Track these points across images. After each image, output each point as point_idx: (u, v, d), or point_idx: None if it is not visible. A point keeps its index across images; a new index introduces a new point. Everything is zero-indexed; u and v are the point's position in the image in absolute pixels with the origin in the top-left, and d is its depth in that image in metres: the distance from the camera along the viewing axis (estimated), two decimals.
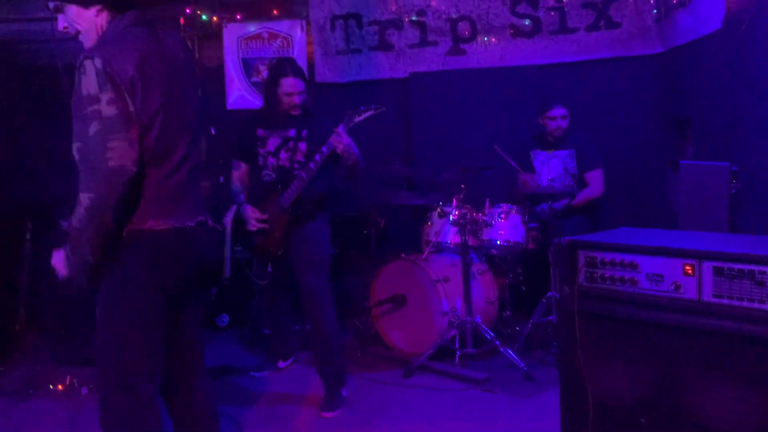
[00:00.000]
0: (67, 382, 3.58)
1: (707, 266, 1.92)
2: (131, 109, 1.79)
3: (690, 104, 4.57)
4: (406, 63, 5.13)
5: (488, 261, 4.21)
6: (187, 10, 5.08)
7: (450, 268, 3.94)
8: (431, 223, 4.03)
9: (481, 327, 3.69)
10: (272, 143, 3.39)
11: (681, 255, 1.97)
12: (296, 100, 3.31)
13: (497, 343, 3.59)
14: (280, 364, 3.92)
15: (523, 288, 4.10)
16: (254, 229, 3.35)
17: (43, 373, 3.71)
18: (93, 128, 1.75)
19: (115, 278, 1.91)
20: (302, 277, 3.31)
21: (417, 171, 4.93)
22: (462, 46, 5.09)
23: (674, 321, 1.98)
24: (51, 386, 3.57)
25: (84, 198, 1.77)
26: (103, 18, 1.93)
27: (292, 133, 3.37)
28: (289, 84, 3.29)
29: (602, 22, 4.96)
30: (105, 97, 1.76)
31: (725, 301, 1.89)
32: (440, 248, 4.08)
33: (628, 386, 2.09)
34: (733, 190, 3.44)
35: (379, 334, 4.11)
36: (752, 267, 1.83)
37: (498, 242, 3.80)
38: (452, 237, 3.88)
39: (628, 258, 2.08)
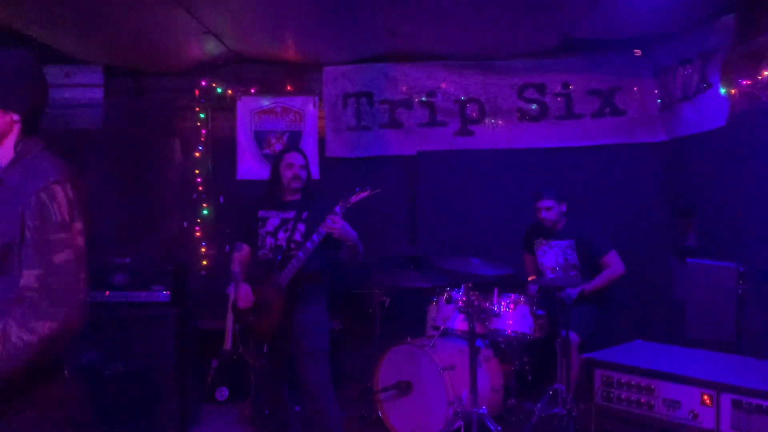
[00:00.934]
0: None
1: (726, 398, 1.93)
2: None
3: (694, 193, 4.64)
4: (415, 141, 5.23)
5: (494, 347, 4.20)
6: (203, 82, 5.20)
7: (457, 355, 3.93)
8: (438, 308, 4.03)
9: (487, 418, 3.65)
10: (272, 223, 3.48)
11: (699, 384, 1.98)
12: (297, 171, 3.45)
13: None
14: None
15: (530, 377, 4.07)
16: (242, 306, 3.36)
17: None
18: (62, 257, 1.67)
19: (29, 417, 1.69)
20: (301, 370, 3.32)
21: (423, 252, 4.95)
22: (470, 127, 5.21)
23: None
24: None
25: (41, 326, 1.60)
26: (16, 132, 1.80)
27: (291, 214, 3.46)
28: (290, 156, 3.49)
29: (607, 109, 5.10)
30: (77, 226, 1.71)
31: None
32: (446, 333, 4.07)
33: None
34: (740, 291, 3.48)
35: (382, 419, 4.06)
36: None
37: (506, 332, 3.80)
38: (459, 324, 3.89)
39: (645, 381, 2.10)
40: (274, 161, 3.59)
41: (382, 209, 5.24)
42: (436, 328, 4.00)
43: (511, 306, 3.81)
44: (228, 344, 4.84)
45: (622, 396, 2.14)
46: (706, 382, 1.97)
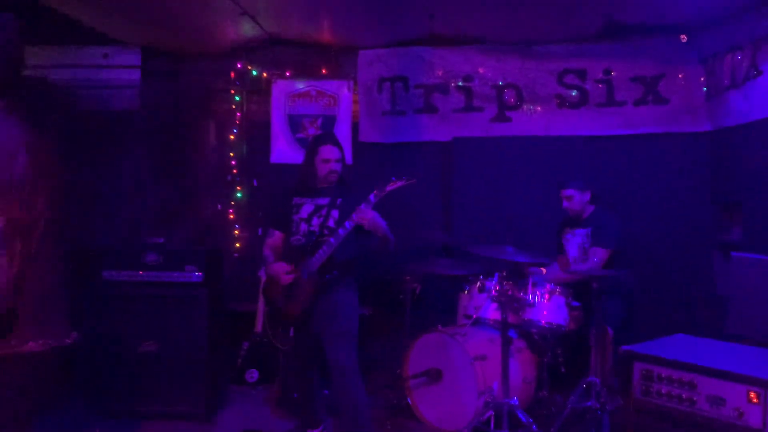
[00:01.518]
0: None
1: None
2: None
3: (740, 187, 4.47)
4: (451, 127, 5.14)
5: (526, 338, 4.11)
6: (238, 65, 5.19)
7: (488, 345, 3.86)
8: (471, 297, 3.96)
9: (518, 410, 3.58)
10: (306, 210, 3.46)
11: (745, 381, 1.89)
12: (333, 166, 3.42)
13: (534, 428, 3.48)
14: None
15: (562, 369, 3.98)
16: (286, 282, 3.35)
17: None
18: None
19: None
20: (330, 352, 3.31)
21: (456, 239, 4.88)
22: (507, 113, 5.09)
23: None
24: None
25: None
26: None
27: (326, 200, 3.44)
28: (327, 150, 3.43)
29: (650, 97, 4.93)
30: None
31: None
32: (478, 322, 4.00)
33: None
34: None
35: (411, 406, 4.02)
36: None
37: (540, 323, 3.71)
38: (492, 313, 3.81)
39: (687, 376, 2.01)
40: (309, 150, 3.54)
41: (416, 196, 5.16)
42: (468, 317, 3.94)
43: (546, 296, 3.72)
44: (259, 327, 4.85)
45: (663, 391, 2.06)
46: (753, 378, 1.88)
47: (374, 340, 4.77)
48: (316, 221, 3.43)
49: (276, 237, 3.59)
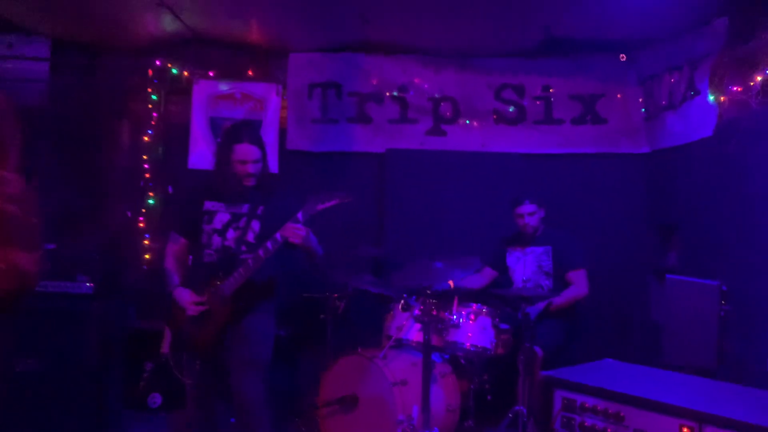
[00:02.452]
0: None
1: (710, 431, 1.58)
2: None
3: (677, 210, 4.36)
4: (384, 138, 4.89)
5: (452, 362, 3.83)
6: (157, 62, 4.81)
7: (410, 369, 3.55)
8: (394, 316, 3.66)
9: None
10: (220, 219, 3.01)
11: (678, 413, 1.64)
12: (250, 168, 2.94)
13: None
14: None
15: (489, 397, 3.70)
16: (194, 314, 2.93)
17: None
18: None
19: None
20: (235, 381, 2.92)
21: (386, 255, 4.59)
22: (443, 126, 4.88)
23: None
24: None
25: None
26: None
27: (245, 209, 2.99)
28: (243, 151, 2.93)
29: (589, 116, 4.82)
30: None
31: None
32: (401, 344, 3.70)
33: None
34: (722, 312, 3.16)
35: None
36: None
37: (465, 345, 3.43)
38: (415, 334, 3.52)
39: (613, 407, 1.74)
40: (222, 147, 3.04)
41: (347, 209, 4.83)
42: (389, 338, 3.62)
43: (472, 317, 3.45)
44: (165, 347, 4.41)
45: (586, 423, 1.79)
46: (686, 411, 1.63)
47: (292, 363, 4.41)
48: (232, 234, 2.98)
49: (181, 244, 3.12)
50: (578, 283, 3.93)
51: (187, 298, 2.92)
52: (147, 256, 4.74)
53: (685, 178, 4.24)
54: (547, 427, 1.84)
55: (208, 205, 3.03)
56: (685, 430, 1.62)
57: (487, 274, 4.25)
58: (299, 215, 2.76)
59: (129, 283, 4.55)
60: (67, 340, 3.55)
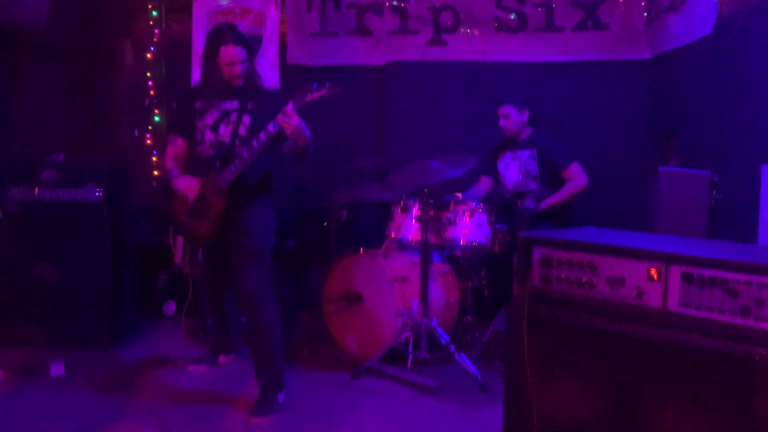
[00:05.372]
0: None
1: (675, 271, 1.67)
2: None
3: (677, 114, 4.35)
4: (384, 50, 4.87)
5: (452, 262, 3.96)
6: None
7: (410, 267, 3.68)
8: (394, 218, 3.76)
9: (437, 331, 3.42)
10: (211, 116, 3.08)
11: (646, 257, 1.73)
12: (238, 69, 3.00)
13: (452, 348, 3.33)
14: (221, 359, 3.64)
15: (486, 293, 3.84)
16: (192, 198, 3.05)
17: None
18: None
19: None
20: (239, 272, 3.02)
21: (387, 166, 4.67)
22: (443, 36, 4.85)
23: (634, 332, 1.73)
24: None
25: None
26: None
27: (234, 104, 3.06)
28: (229, 53, 2.96)
29: (590, 22, 4.74)
30: None
31: (693, 312, 1.65)
32: (402, 246, 3.82)
33: (579, 402, 1.84)
34: (713, 201, 3.22)
35: (331, 332, 3.84)
36: (726, 275, 1.59)
37: (461, 242, 3.54)
38: (414, 234, 3.62)
39: (587, 258, 1.84)
40: (208, 49, 3.07)
41: (348, 123, 4.94)
42: (390, 238, 3.74)
43: (468, 214, 3.54)
44: (178, 258, 4.58)
45: (562, 276, 1.88)
46: (654, 253, 1.71)
47: (298, 272, 4.56)
48: (224, 129, 3.06)
49: (179, 145, 3.24)
50: (575, 177, 3.96)
51: (185, 185, 3.04)
52: (155, 173, 4.86)
53: (685, 81, 4.21)
54: (526, 282, 1.95)
55: (199, 104, 3.11)
56: (652, 271, 1.71)
57: (486, 183, 4.32)
58: (290, 105, 2.82)
59: (139, 199, 4.67)
60: (83, 247, 3.69)
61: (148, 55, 4.84)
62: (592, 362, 1.82)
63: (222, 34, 3.04)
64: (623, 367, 1.75)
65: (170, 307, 4.51)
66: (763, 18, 3.45)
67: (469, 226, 3.53)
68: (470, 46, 4.83)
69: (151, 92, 4.84)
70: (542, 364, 1.91)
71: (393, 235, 3.70)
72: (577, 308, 1.86)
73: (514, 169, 4.11)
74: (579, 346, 1.85)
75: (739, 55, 3.57)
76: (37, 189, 3.71)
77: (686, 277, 1.65)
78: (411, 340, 3.47)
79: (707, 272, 1.62)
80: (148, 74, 4.84)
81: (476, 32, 4.82)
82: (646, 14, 4.66)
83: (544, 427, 1.89)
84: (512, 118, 4.04)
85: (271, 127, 2.85)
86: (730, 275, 1.58)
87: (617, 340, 1.76)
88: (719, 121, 3.75)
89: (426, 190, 3.53)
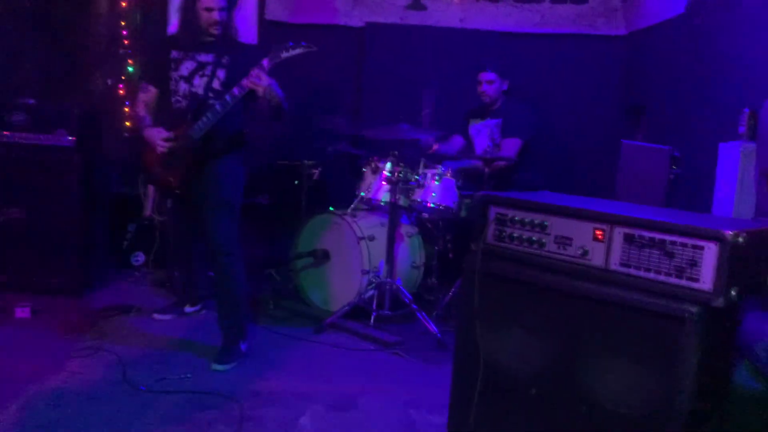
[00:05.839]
0: None
1: (618, 232, 1.77)
2: None
3: (646, 91, 4.45)
4: (363, 11, 4.88)
5: (420, 225, 4.04)
6: None
7: (378, 227, 3.76)
8: (364, 179, 3.82)
9: (401, 291, 3.52)
10: (186, 67, 3.08)
11: (593, 218, 1.82)
12: (216, 15, 3.00)
13: (414, 307, 3.44)
14: (187, 309, 3.69)
15: (451, 256, 3.94)
16: (162, 150, 3.06)
17: None
18: None
19: None
20: (208, 223, 3.06)
21: (362, 128, 4.71)
22: (423, 1, 4.86)
23: (577, 289, 1.83)
24: None
25: None
26: None
27: (210, 57, 3.07)
28: None
29: None
30: None
31: (632, 271, 1.74)
32: (371, 206, 3.89)
33: (523, 353, 1.95)
34: (672, 175, 3.34)
35: (298, 288, 3.92)
36: (664, 236, 1.68)
37: (429, 204, 3.62)
38: (383, 194, 3.68)
39: (539, 218, 1.92)
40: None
41: (327, 83, 4.95)
42: (360, 198, 3.80)
43: (437, 178, 3.61)
44: (148, 211, 4.60)
45: (515, 234, 1.97)
46: (600, 214, 1.80)
47: (269, 229, 4.60)
48: (198, 81, 3.07)
49: (150, 93, 3.23)
50: (504, 149, 4.00)
51: (157, 135, 3.04)
52: (128, 124, 4.83)
53: (655, 58, 4.30)
54: (481, 239, 2.04)
55: (174, 54, 3.10)
56: (597, 232, 1.81)
57: (458, 142, 4.38)
58: (264, 62, 2.84)
59: (110, 150, 4.64)
60: (53, 192, 3.68)
61: (123, 3, 4.76)
62: (537, 316, 1.92)
63: None
64: (565, 322, 1.85)
65: (138, 258, 4.53)
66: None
67: (437, 190, 3.61)
68: (449, 12, 4.86)
69: (125, 41, 4.78)
70: (491, 316, 2.01)
71: (362, 195, 3.76)
72: (527, 265, 1.94)
73: (484, 136, 4.19)
74: (526, 301, 1.95)
75: (706, 37, 3.66)
76: (6, 132, 3.67)
77: (628, 238, 1.75)
78: (375, 298, 3.56)
79: (647, 234, 1.71)
80: (123, 23, 4.77)
81: None
82: None
83: (489, 373, 2.00)
84: (494, 84, 4.10)
85: (244, 83, 2.87)
86: (668, 237, 1.68)
87: (561, 296, 1.86)
88: (684, 99, 3.85)
89: (396, 152, 3.59)
